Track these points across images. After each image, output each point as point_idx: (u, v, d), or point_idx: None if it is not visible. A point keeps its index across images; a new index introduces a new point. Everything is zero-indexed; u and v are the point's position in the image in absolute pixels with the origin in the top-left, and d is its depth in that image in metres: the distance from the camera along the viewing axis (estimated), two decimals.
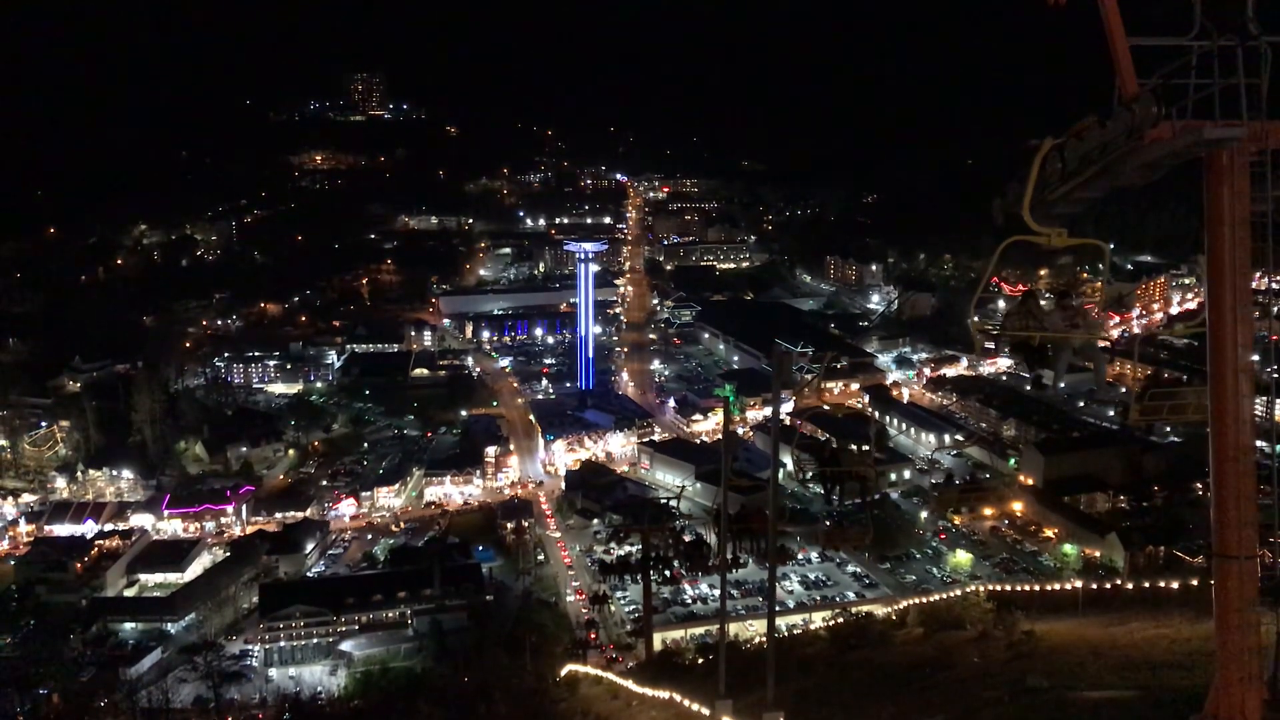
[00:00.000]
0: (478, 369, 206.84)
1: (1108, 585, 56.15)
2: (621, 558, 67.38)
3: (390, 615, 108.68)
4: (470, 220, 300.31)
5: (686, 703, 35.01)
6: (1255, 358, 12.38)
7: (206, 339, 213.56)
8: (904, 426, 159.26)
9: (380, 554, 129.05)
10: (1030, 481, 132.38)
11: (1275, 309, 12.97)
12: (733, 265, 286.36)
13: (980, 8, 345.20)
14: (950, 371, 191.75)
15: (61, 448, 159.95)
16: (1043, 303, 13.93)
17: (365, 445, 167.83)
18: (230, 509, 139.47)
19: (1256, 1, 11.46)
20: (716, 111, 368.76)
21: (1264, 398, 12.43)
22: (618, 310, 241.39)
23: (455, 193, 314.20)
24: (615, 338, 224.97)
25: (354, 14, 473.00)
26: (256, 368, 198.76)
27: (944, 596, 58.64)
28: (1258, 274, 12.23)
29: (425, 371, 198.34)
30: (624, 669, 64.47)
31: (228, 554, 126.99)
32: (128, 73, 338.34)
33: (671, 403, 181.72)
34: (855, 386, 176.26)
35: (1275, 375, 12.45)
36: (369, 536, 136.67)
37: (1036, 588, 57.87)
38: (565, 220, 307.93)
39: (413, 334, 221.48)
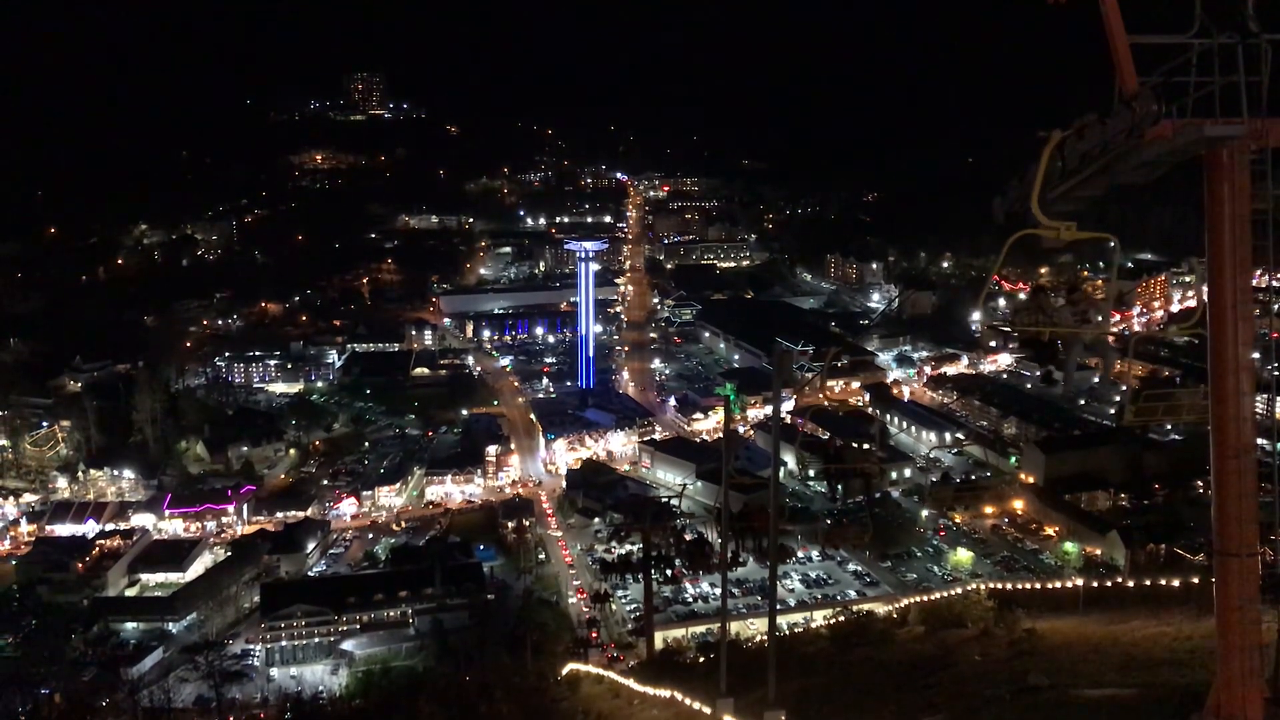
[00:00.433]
0: (478, 368, 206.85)
1: (1109, 583, 56.15)
2: (623, 557, 67.54)
3: (391, 614, 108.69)
4: (471, 219, 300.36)
5: (688, 701, 35.03)
6: (1256, 355, 12.39)
7: (207, 339, 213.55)
8: (904, 425, 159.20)
9: (381, 553, 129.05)
10: (1031, 479, 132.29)
11: (1276, 307, 12.99)
12: (733, 264, 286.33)
13: (980, 6, 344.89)
14: (951, 370, 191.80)
15: (63, 447, 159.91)
16: (1052, 298, 13.85)
17: (366, 445, 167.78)
18: (231, 509, 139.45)
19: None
20: (717, 110, 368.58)
21: (1264, 395, 12.45)
22: (618, 309, 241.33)
23: (456, 192, 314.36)
24: (616, 337, 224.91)
25: (354, 13, 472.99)
26: (257, 367, 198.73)
27: (945, 595, 58.70)
28: (1258, 272, 12.24)
29: (426, 371, 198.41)
30: (625, 668, 64.51)
31: (229, 554, 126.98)
32: (128, 73, 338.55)
33: (672, 401, 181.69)
34: (856, 385, 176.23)
35: (1276, 373, 12.46)
36: (370, 536, 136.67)
37: (1037, 586, 57.92)
38: (566, 219, 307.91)
39: (413, 333, 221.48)
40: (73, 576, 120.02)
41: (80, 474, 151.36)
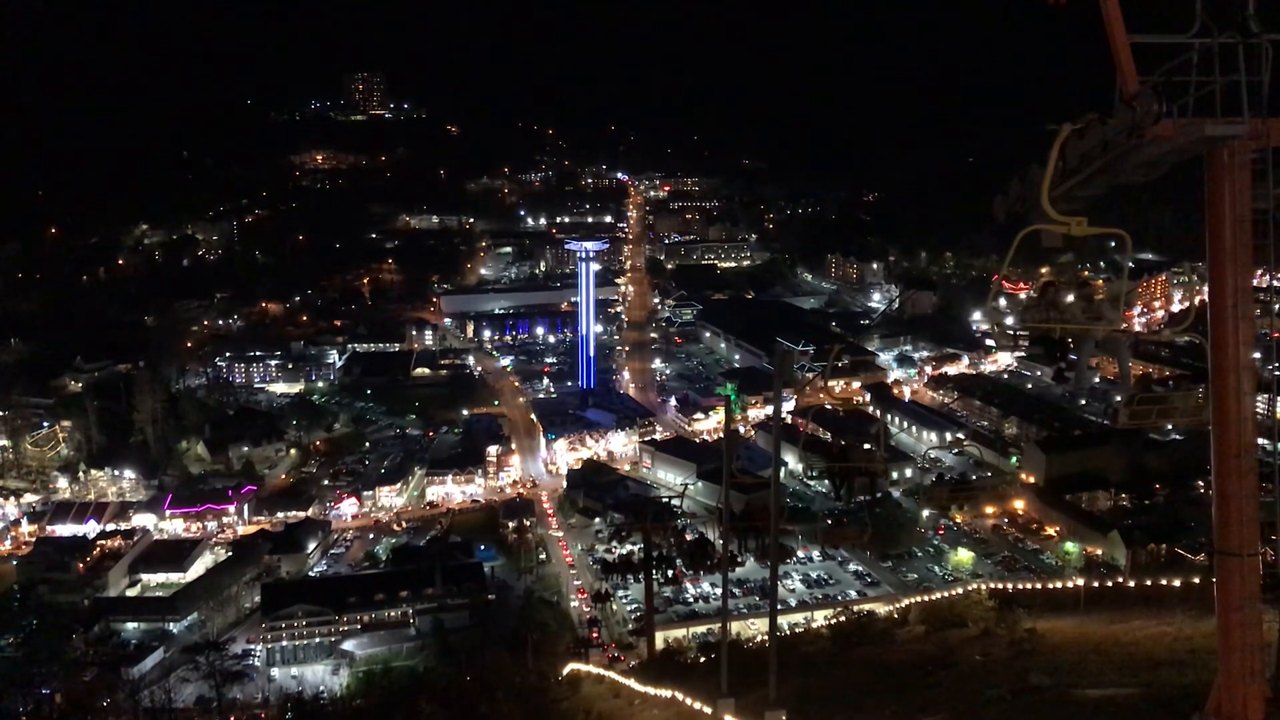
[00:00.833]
0: (479, 368, 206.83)
1: (1109, 583, 56.16)
2: (623, 557, 67.52)
3: (392, 614, 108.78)
4: (471, 219, 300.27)
5: (689, 701, 35.04)
6: (1256, 355, 12.38)
7: (208, 339, 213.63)
8: (905, 425, 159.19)
9: (382, 553, 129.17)
10: (1032, 479, 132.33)
11: (1276, 307, 12.98)
12: (734, 264, 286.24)
13: (981, 5, 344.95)
14: (952, 370, 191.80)
15: (63, 448, 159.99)
16: (1062, 294, 13.73)
17: (367, 445, 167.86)
18: (232, 509, 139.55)
19: None
20: (717, 110, 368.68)
21: (1265, 395, 12.44)
22: (619, 309, 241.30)
23: (456, 192, 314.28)
24: (616, 337, 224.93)
25: (355, 13, 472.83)
26: (258, 367, 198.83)
27: (946, 595, 58.72)
28: (1259, 272, 12.23)
29: (427, 371, 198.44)
30: (626, 668, 64.51)
31: (230, 554, 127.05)
32: (129, 73, 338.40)
33: (673, 402, 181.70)
34: (857, 385, 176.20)
35: (1277, 373, 12.45)
36: (371, 536, 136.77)
37: (1038, 586, 57.96)
38: (566, 219, 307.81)
39: (414, 333, 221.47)
40: (73, 577, 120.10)
41: (81, 474, 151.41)
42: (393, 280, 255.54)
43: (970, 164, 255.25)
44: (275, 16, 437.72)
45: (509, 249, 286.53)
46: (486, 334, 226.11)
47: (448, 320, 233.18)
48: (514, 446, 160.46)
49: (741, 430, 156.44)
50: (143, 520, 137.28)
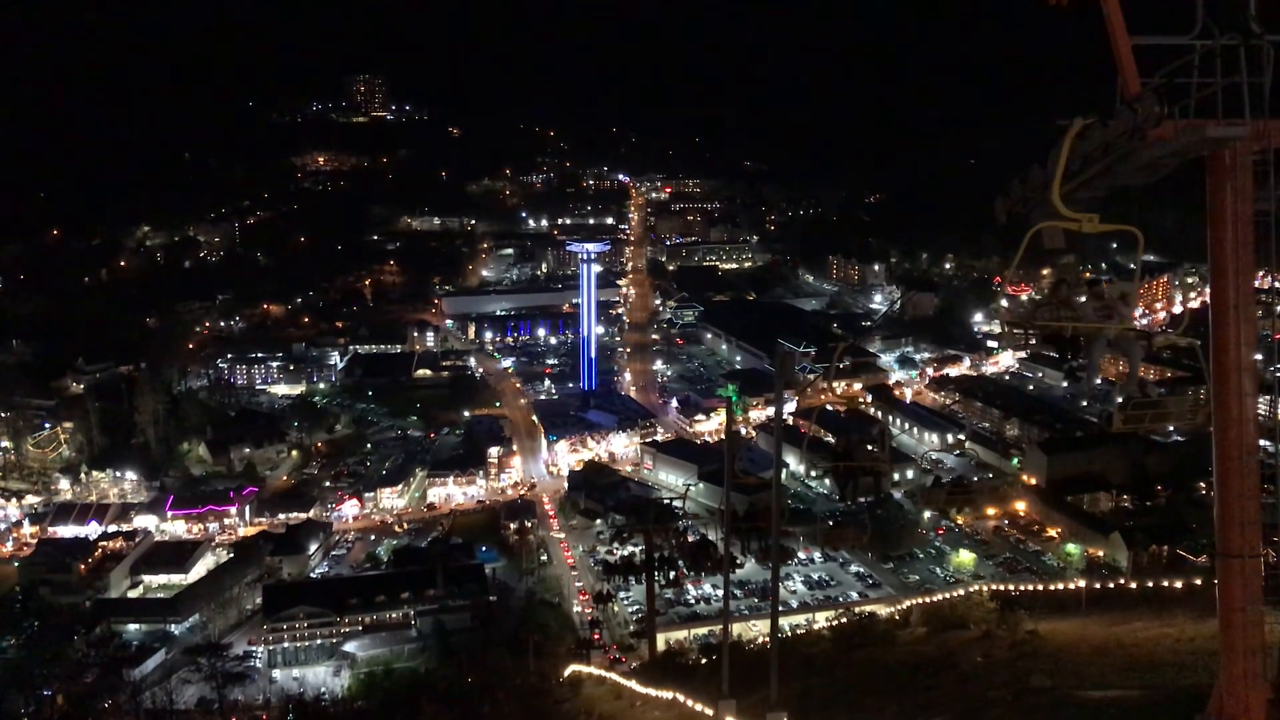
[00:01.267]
0: (480, 370, 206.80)
1: (1111, 585, 56.03)
2: (625, 558, 67.54)
3: (394, 616, 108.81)
4: (473, 221, 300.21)
5: (690, 703, 35.03)
6: (1258, 357, 12.38)
7: (209, 340, 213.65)
8: (906, 426, 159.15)
9: (383, 555, 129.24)
10: (1033, 481, 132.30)
11: (1278, 308, 12.97)
12: (735, 265, 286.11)
13: (982, 6, 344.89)
14: (953, 371, 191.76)
15: (65, 449, 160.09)
16: (1074, 292, 13.65)
17: (368, 446, 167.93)
18: (233, 510, 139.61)
19: (1259, 0, 11.46)
20: (719, 111, 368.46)
21: (1267, 397, 12.43)
22: (620, 311, 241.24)
23: (458, 193, 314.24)
24: (618, 338, 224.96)
25: (356, 15, 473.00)
26: (259, 369, 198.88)
27: (947, 596, 58.50)
28: (1260, 273, 12.22)
29: (428, 372, 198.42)
30: (627, 669, 64.47)
31: (231, 555, 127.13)
32: (130, 74, 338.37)
33: (674, 403, 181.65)
34: (858, 386, 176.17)
35: (1278, 374, 12.45)
36: (372, 537, 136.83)
37: (1040, 587, 57.68)
38: (568, 221, 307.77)
39: (415, 335, 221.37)
40: (75, 578, 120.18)
41: (82, 475, 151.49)
42: (394, 282, 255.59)
43: (971, 165, 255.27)
44: (276, 18, 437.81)
45: (510, 250, 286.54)
46: (488, 335, 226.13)
47: (449, 322, 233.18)
48: (515, 448, 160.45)
49: (743, 432, 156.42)
50: (144, 522, 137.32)
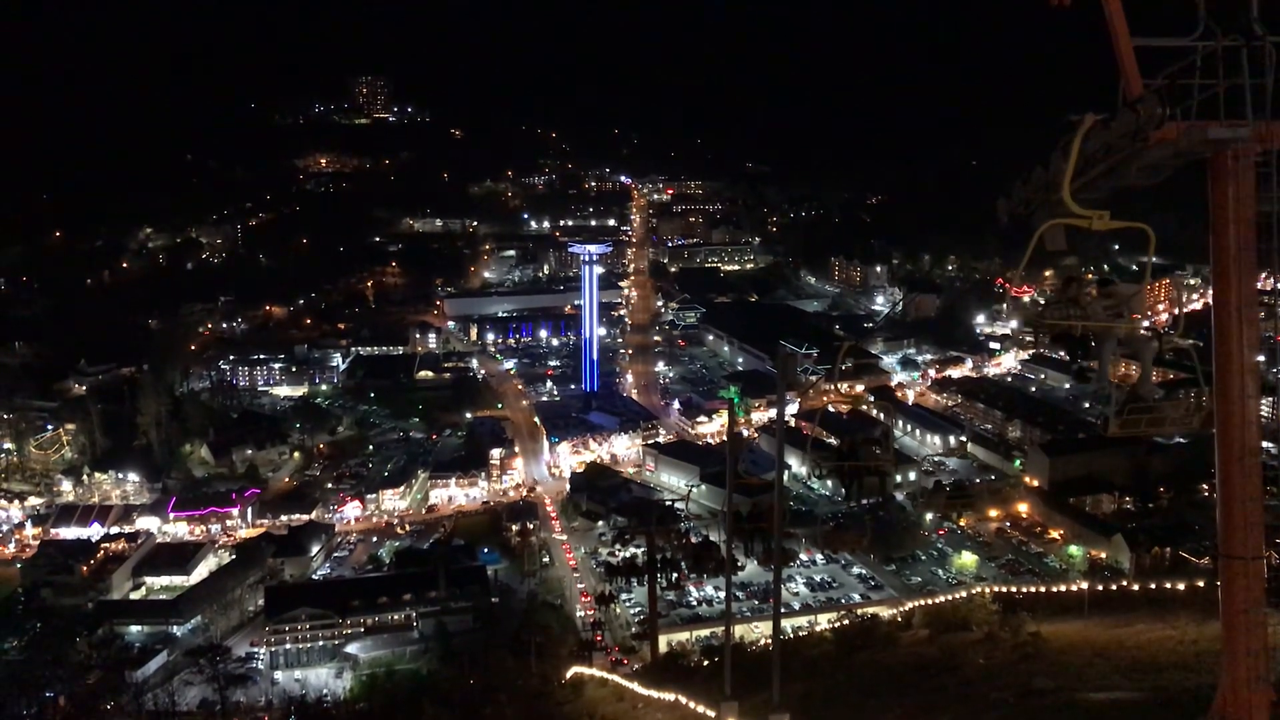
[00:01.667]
0: (482, 371, 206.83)
1: (1113, 586, 56.05)
2: (627, 560, 67.53)
3: (396, 618, 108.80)
4: (475, 222, 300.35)
5: (692, 704, 35.01)
6: (1261, 358, 12.35)
7: (211, 342, 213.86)
8: (908, 428, 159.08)
9: (385, 556, 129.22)
10: (1036, 483, 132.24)
11: None
12: (737, 267, 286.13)
13: (985, 8, 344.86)
14: (955, 372, 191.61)
15: (67, 451, 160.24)
16: (1085, 291, 13.51)
17: (370, 448, 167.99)
18: (235, 512, 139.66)
19: (1261, 1, 11.45)
20: (720, 112, 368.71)
21: (1270, 398, 12.40)
22: (622, 312, 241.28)
23: (460, 195, 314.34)
24: (620, 340, 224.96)
25: (359, 16, 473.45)
26: (261, 370, 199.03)
27: (949, 598, 58.53)
28: (1263, 275, 12.20)
29: (430, 374, 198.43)
30: (629, 671, 64.44)
31: (233, 557, 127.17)
32: (133, 76, 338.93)
33: (676, 405, 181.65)
34: (860, 387, 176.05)
35: None
36: (374, 539, 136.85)
37: (1042, 589, 57.73)
38: (569, 222, 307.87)
39: (417, 336, 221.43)
40: (77, 579, 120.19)
41: (85, 477, 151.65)
42: (396, 283, 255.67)
43: (973, 167, 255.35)
44: (279, 19, 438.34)
45: (512, 252, 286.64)
46: (490, 337, 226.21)
47: (451, 323, 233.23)
48: (517, 449, 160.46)
49: (745, 434, 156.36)
50: (146, 523, 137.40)
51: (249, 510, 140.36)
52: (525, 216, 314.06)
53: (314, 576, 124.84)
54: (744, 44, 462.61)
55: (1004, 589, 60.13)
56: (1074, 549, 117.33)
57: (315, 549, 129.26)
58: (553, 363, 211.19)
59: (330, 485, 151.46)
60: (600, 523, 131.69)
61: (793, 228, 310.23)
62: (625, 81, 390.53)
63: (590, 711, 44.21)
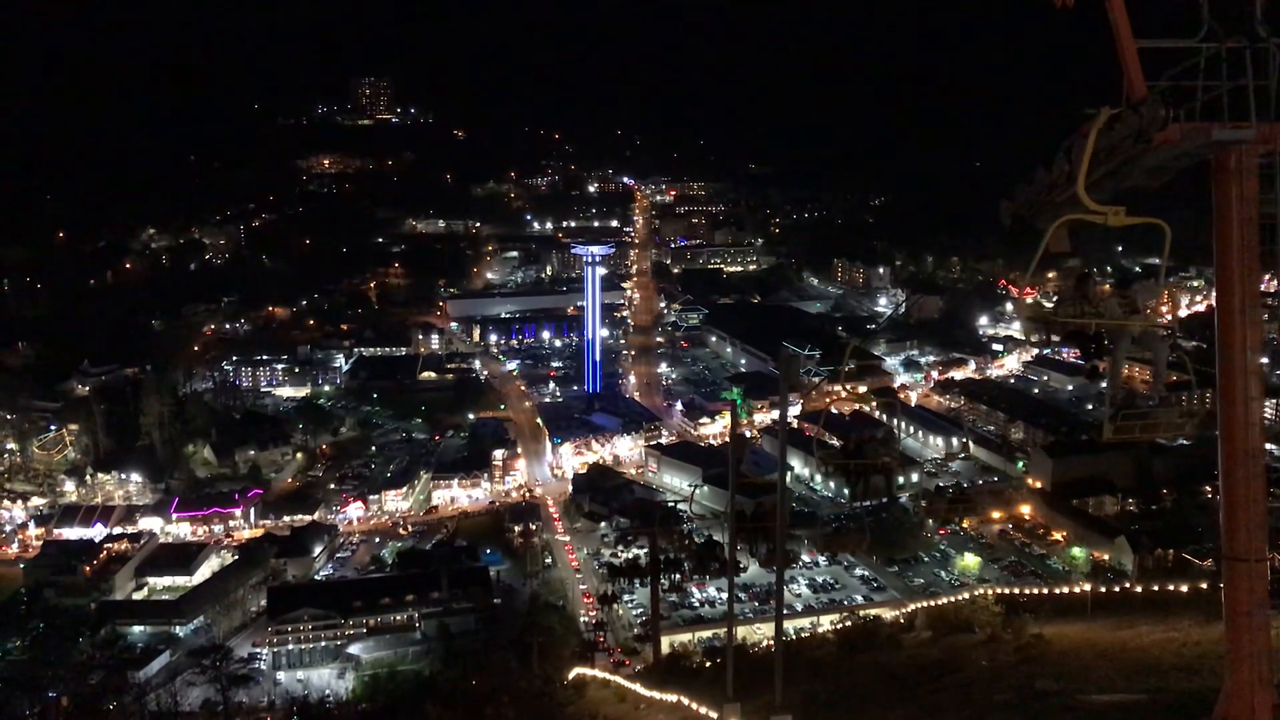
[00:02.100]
0: (485, 372, 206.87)
1: (1116, 588, 55.96)
2: (629, 561, 67.41)
3: (398, 618, 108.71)
4: (477, 224, 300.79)
5: (694, 705, 35.00)
6: (1264, 360, 12.33)
7: (215, 343, 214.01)
8: (911, 430, 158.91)
9: (388, 557, 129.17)
10: (1038, 484, 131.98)
11: None
12: (740, 268, 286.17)
13: (988, 10, 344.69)
14: (958, 374, 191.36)
15: (70, 451, 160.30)
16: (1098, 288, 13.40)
17: (373, 448, 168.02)
18: (238, 512, 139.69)
19: (1264, 3, 11.44)
20: (723, 114, 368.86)
21: (1273, 400, 12.39)
22: (625, 313, 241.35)
23: (463, 196, 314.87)
24: (622, 341, 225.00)
25: (362, 18, 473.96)
26: (264, 371, 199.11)
27: (952, 600, 58.45)
28: (1266, 276, 12.19)
29: (433, 375, 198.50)
30: (631, 672, 64.41)
31: (236, 557, 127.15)
32: (137, 77, 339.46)
33: (679, 406, 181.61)
34: (863, 389, 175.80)
35: None
36: (377, 539, 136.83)
37: (1045, 591, 57.66)
38: (572, 223, 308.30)
39: (420, 337, 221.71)
40: (80, 580, 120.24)
41: (88, 477, 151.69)
42: (399, 284, 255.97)
43: (977, 168, 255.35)
44: (282, 21, 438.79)
45: (515, 253, 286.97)
46: (493, 338, 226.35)
47: (454, 324, 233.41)
48: (520, 450, 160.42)
49: (747, 435, 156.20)
50: (149, 524, 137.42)
51: (251, 511, 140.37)
52: (528, 217, 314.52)
53: (316, 577, 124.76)
54: (746, 45, 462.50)
55: (1007, 591, 60.07)
56: (1077, 551, 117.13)
57: (318, 550, 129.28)
58: (555, 364, 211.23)
59: (333, 486, 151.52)
60: (602, 524, 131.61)
61: (795, 229, 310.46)
62: (628, 82, 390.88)
63: (592, 712, 44.19)
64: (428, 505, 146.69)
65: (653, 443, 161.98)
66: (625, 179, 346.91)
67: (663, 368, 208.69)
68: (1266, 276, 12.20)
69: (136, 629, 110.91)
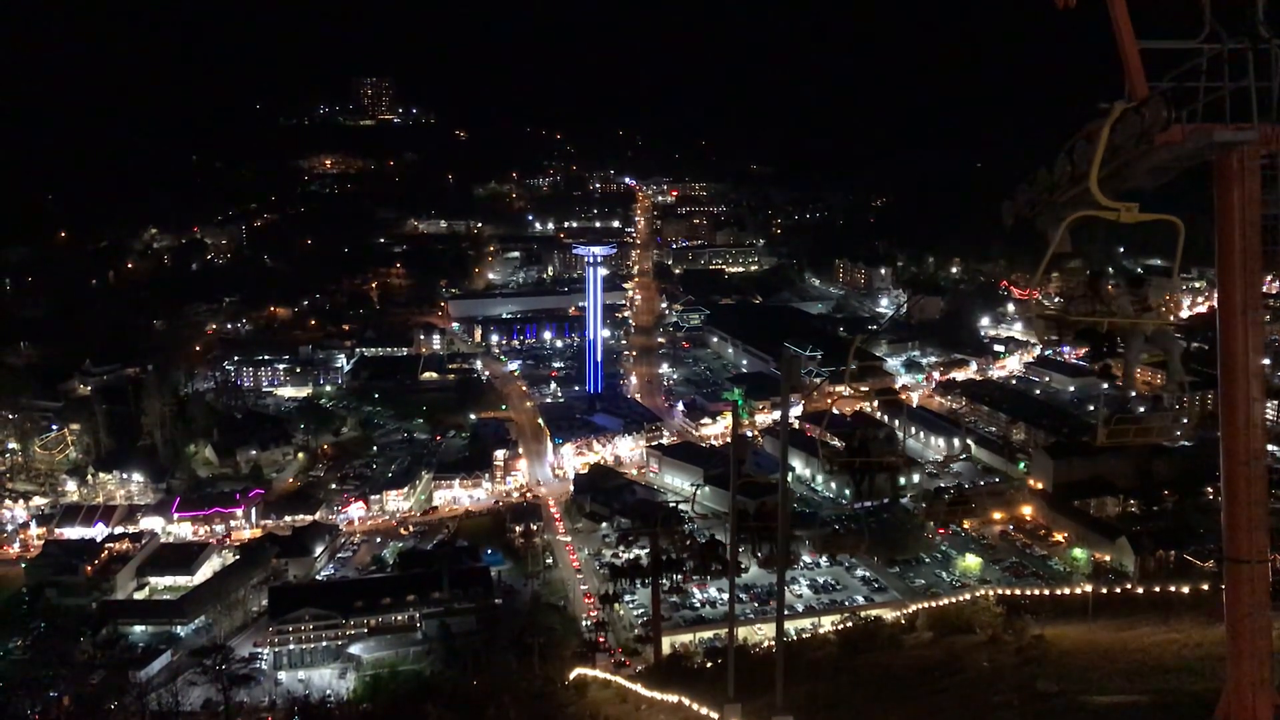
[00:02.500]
0: (486, 372, 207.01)
1: (1118, 589, 55.88)
2: (630, 561, 67.41)
3: (399, 618, 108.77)
4: (479, 224, 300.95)
5: (695, 706, 34.95)
6: (1266, 361, 12.31)
7: (216, 342, 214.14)
8: (913, 431, 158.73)
9: (389, 557, 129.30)
10: (1040, 485, 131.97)
11: None
12: (741, 269, 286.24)
13: (990, 10, 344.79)
14: (960, 375, 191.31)
15: (72, 451, 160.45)
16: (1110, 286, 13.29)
17: (374, 448, 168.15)
18: (240, 512, 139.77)
19: (1267, 4, 11.43)
20: (725, 114, 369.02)
21: (1275, 401, 12.38)
22: (626, 314, 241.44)
23: (464, 196, 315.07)
24: (624, 341, 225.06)
25: (364, 18, 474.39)
26: (266, 371, 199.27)
27: (953, 600, 58.34)
28: (1268, 278, 12.17)
29: (434, 375, 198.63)
30: (632, 672, 64.38)
31: (237, 557, 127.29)
32: (138, 77, 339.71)
33: (680, 406, 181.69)
34: (864, 390, 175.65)
35: None
36: (378, 540, 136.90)
37: (1046, 592, 57.56)
38: (574, 224, 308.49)
39: (422, 337, 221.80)
40: (82, 579, 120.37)
41: (89, 477, 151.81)
42: (401, 284, 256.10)
43: (978, 169, 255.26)
44: (284, 21, 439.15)
45: (517, 253, 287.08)
46: (494, 338, 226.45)
47: (455, 324, 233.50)
48: (521, 451, 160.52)
49: (749, 435, 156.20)
50: (150, 523, 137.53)
51: (253, 511, 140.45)
52: (530, 218, 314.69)
53: (318, 577, 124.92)
54: (748, 45, 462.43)
55: (1008, 592, 59.98)
56: (1078, 552, 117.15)
57: (319, 550, 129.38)
58: (557, 364, 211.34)
59: (334, 486, 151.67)
60: (604, 524, 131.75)
61: (797, 230, 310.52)
62: (630, 83, 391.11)
63: (593, 713, 44.14)
64: (429, 505, 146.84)
65: (654, 443, 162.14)
66: (627, 179, 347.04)
67: (664, 368, 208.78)
68: (1268, 278, 12.18)
69: (138, 629, 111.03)
